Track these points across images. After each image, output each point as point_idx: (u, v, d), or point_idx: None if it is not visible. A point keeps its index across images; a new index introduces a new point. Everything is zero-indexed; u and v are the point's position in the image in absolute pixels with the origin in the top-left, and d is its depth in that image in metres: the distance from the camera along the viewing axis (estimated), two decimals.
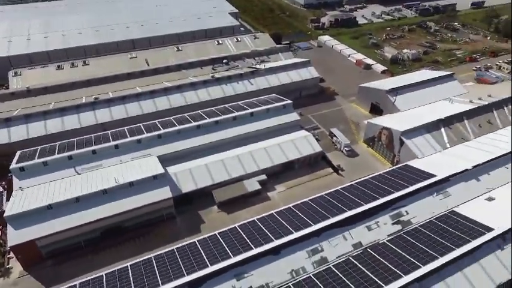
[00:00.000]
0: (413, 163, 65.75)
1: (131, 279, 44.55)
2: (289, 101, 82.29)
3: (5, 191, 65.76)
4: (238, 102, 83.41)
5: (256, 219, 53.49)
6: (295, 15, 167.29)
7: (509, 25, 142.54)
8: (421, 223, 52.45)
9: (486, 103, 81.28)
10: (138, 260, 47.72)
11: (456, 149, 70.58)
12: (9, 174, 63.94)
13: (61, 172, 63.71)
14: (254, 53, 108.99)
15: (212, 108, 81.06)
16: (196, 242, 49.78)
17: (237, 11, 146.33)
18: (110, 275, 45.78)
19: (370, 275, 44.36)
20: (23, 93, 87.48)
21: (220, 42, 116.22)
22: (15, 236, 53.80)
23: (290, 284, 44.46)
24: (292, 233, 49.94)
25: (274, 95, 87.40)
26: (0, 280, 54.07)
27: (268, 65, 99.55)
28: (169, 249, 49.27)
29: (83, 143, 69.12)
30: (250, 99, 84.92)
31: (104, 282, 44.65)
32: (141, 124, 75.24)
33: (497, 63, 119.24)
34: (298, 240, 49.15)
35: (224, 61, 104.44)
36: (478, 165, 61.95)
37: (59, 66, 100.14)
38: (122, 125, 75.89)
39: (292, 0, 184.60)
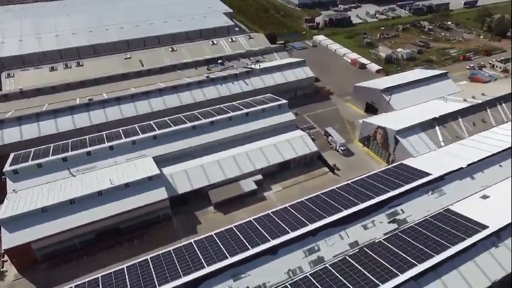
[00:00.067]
0: (408, 162, 66.09)
1: (127, 281, 44.36)
2: (284, 101, 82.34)
3: None
4: (234, 103, 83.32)
5: (253, 219, 53.54)
6: (289, 15, 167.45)
7: (501, 24, 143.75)
8: (417, 221, 52.78)
9: (480, 102, 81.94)
10: (134, 262, 47.52)
11: (451, 147, 71.06)
12: (2, 177, 63.28)
13: (55, 174, 63.27)
14: (249, 53, 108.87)
15: (207, 109, 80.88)
16: (193, 243, 49.68)
17: (231, 11, 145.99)
18: (106, 277, 45.54)
19: (367, 273, 44.52)
20: (16, 95, 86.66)
21: (215, 42, 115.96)
22: (9, 239, 53.34)
23: (287, 283, 44.50)
24: (289, 232, 49.99)
25: (269, 95, 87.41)
26: None
27: (263, 65, 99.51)
28: (166, 250, 49.15)
29: (77, 144, 68.66)
30: (246, 100, 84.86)
31: (100, 284, 44.43)
32: (136, 125, 74.91)
33: (491, 61, 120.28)
34: (295, 240, 49.25)
35: (219, 61, 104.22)
36: (472, 163, 62.46)
37: (52, 68, 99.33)
38: (117, 126, 75.48)
39: (287, 0, 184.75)
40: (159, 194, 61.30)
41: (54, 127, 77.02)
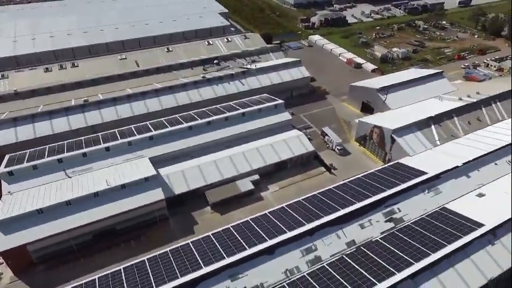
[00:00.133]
0: (404, 161, 66.33)
1: (124, 282, 44.17)
2: (280, 101, 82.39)
3: None
4: (230, 103, 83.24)
5: (250, 219, 53.47)
6: (285, 15, 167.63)
7: (495, 23, 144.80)
8: (413, 220, 53.00)
9: (475, 100, 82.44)
10: (131, 263, 47.35)
11: (446, 146, 71.41)
12: None
13: (51, 175, 62.91)
14: (245, 53, 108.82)
15: (204, 109, 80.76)
16: (190, 244, 49.55)
17: (227, 11, 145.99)
18: (103, 278, 45.33)
19: (364, 272, 44.63)
20: (10, 96, 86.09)
21: (211, 42, 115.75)
22: (5, 241, 52.94)
23: (285, 283, 44.51)
24: (286, 232, 50.01)
25: (265, 95, 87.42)
26: None
27: (259, 65, 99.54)
28: (163, 251, 49.02)
29: (73, 145, 68.32)
30: (242, 100, 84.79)
31: (97, 286, 44.20)
32: (132, 126, 74.65)
33: (485, 61, 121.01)
34: (292, 239, 49.25)
35: (215, 61, 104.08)
36: (468, 162, 62.79)
37: (47, 69, 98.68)
38: (113, 127, 75.12)
39: (282, 0, 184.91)
40: (156, 194, 61.10)
41: (50, 128, 76.63)
